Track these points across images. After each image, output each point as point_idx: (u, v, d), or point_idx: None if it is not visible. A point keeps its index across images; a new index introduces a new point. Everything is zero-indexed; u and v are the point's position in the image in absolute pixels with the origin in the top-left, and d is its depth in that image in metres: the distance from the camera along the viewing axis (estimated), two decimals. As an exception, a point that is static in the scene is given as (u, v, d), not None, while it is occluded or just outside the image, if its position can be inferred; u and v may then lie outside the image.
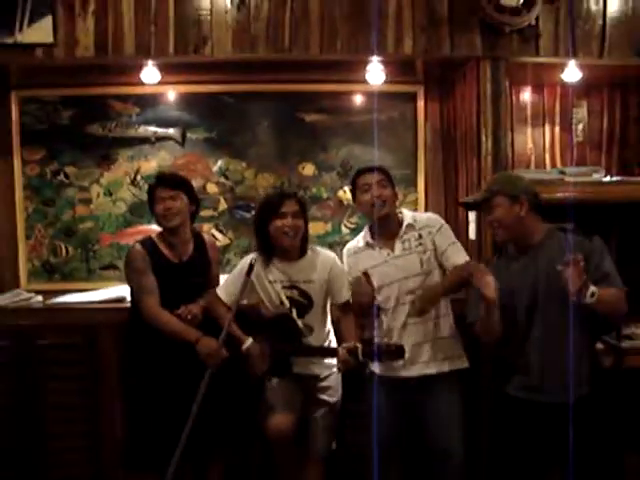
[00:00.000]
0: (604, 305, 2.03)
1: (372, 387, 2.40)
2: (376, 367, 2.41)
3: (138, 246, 2.46)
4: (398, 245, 2.43)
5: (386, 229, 2.44)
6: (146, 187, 3.25)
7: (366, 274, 2.40)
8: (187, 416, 2.21)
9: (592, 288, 1.97)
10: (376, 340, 2.30)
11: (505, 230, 2.19)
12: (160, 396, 2.39)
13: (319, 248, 2.58)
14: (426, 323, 2.39)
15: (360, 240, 2.53)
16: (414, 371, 2.38)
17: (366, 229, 2.54)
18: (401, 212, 2.51)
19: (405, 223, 2.45)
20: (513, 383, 2.22)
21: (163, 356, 2.39)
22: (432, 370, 2.38)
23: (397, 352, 2.24)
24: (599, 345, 2.32)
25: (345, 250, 2.59)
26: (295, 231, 2.40)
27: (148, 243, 2.48)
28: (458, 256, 2.41)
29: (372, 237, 2.48)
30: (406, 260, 2.40)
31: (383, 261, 2.43)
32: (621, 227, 3.15)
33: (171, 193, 2.45)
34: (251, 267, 2.33)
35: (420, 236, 2.43)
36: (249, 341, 2.40)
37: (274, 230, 2.41)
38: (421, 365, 2.39)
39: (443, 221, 2.51)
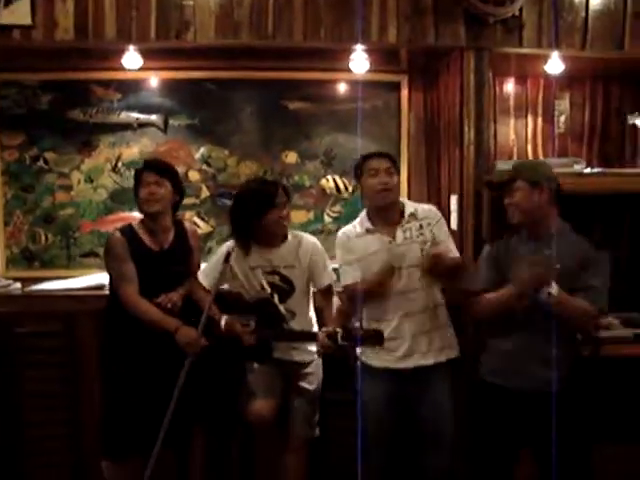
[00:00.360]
0: (562, 310, 2.06)
1: (364, 378, 2.38)
2: (369, 359, 2.41)
3: (118, 234, 2.44)
4: (399, 233, 2.41)
5: (387, 217, 2.43)
6: (127, 174, 3.27)
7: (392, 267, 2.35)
8: (166, 404, 2.22)
9: (553, 288, 1.99)
10: (356, 325, 2.30)
11: (522, 214, 2.20)
12: (139, 384, 2.39)
13: (299, 232, 2.60)
14: (424, 313, 2.39)
15: (357, 226, 2.49)
16: (411, 362, 2.37)
17: (364, 215, 2.50)
18: (402, 201, 2.51)
19: (407, 212, 2.44)
20: (490, 368, 2.24)
21: (142, 344, 2.38)
22: (429, 361, 2.38)
23: (376, 337, 2.24)
24: (578, 335, 2.34)
25: (340, 234, 2.53)
26: (288, 221, 2.47)
27: (128, 231, 2.46)
28: (451, 251, 2.42)
29: (372, 223, 2.45)
30: (407, 249, 2.39)
31: (384, 248, 2.39)
32: (601, 219, 3.19)
33: (156, 178, 2.44)
34: (228, 255, 2.35)
35: (421, 226, 2.42)
36: (224, 319, 2.40)
37: (272, 221, 2.41)
38: (419, 356, 2.37)
39: (440, 214, 2.51)
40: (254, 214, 2.42)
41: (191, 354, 2.30)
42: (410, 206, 2.48)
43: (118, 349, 2.45)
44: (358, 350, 2.39)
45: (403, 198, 2.57)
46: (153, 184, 2.43)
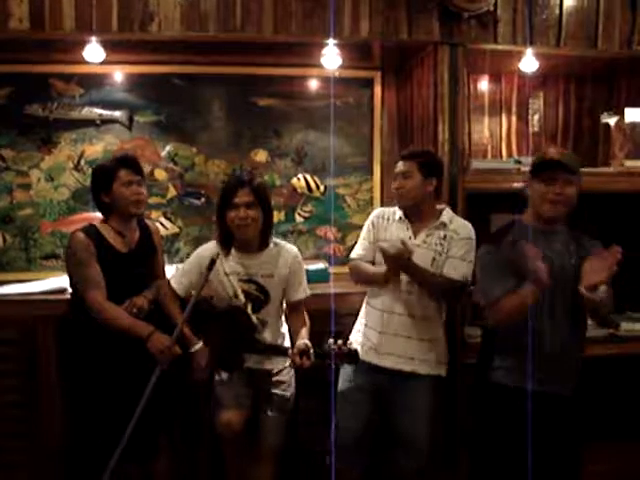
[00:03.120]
0: (602, 305, 1.99)
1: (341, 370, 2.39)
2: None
3: (81, 235, 2.27)
4: (422, 236, 2.38)
5: (415, 216, 2.42)
6: (90, 172, 3.12)
7: (403, 242, 2.25)
8: (132, 413, 2.10)
9: (601, 290, 1.92)
10: (330, 342, 2.21)
11: (565, 210, 2.10)
12: (105, 395, 2.26)
13: (282, 242, 2.47)
14: (416, 320, 2.36)
15: (396, 211, 2.47)
16: (388, 362, 2.35)
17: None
18: (444, 209, 2.44)
19: (440, 220, 2.39)
20: (503, 369, 2.16)
21: (108, 352, 2.25)
22: (406, 367, 2.35)
23: (350, 356, 2.17)
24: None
25: (378, 210, 2.56)
26: (248, 223, 2.28)
27: (92, 231, 2.30)
28: (455, 270, 2.32)
29: (405, 215, 2.44)
30: (421, 253, 2.33)
31: (400, 240, 2.31)
32: (574, 217, 3.16)
33: (138, 178, 2.32)
34: (212, 262, 2.20)
35: (444, 237, 2.37)
36: (199, 345, 2.30)
37: (229, 222, 2.30)
38: (396, 358, 2.35)
39: (473, 235, 2.39)
40: (218, 213, 2.33)
41: (163, 363, 2.17)
42: (446, 216, 2.41)
43: (81, 358, 2.31)
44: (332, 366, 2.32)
45: (447, 207, 2.47)
46: (136, 184, 2.30)
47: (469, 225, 2.44)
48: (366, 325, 2.46)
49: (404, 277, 2.35)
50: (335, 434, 2.39)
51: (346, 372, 2.43)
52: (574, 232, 2.16)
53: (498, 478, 2.17)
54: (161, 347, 2.17)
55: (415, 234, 2.40)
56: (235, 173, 3.18)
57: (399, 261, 2.26)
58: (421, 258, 2.31)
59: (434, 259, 2.35)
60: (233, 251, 2.36)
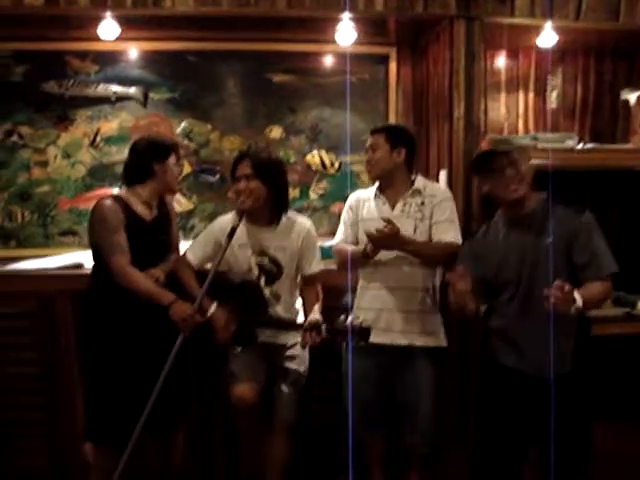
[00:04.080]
0: (589, 307, 1.98)
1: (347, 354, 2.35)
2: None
3: (110, 201, 2.29)
4: (399, 206, 2.42)
5: (390, 188, 2.45)
6: (107, 149, 3.17)
7: (388, 220, 2.26)
8: (154, 383, 2.12)
9: (576, 302, 1.87)
10: (342, 318, 2.21)
11: (523, 186, 2.09)
12: (127, 363, 2.28)
13: (295, 215, 2.48)
14: (410, 292, 2.36)
15: (370, 190, 2.53)
16: (387, 339, 2.35)
17: (377, 182, 2.52)
18: (416, 178, 2.47)
19: (413, 187, 2.42)
20: (501, 351, 2.17)
21: (131, 320, 2.27)
22: (404, 341, 2.35)
23: (362, 333, 2.17)
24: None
25: (353, 194, 2.58)
26: (247, 195, 2.30)
27: (119, 200, 2.32)
28: (446, 233, 2.35)
29: (380, 191, 2.48)
30: (401, 223, 2.32)
31: (381, 217, 2.34)
32: (592, 195, 3.13)
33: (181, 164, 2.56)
34: (233, 230, 2.23)
35: (422, 203, 2.40)
36: (213, 306, 2.30)
37: (231, 193, 2.33)
38: (392, 335, 2.35)
39: (450, 195, 2.46)
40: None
41: (185, 331, 2.19)
42: (420, 182, 2.46)
43: (104, 327, 2.32)
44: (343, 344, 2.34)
45: (419, 176, 2.50)
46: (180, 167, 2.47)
47: (443, 187, 2.54)
48: (361, 307, 2.45)
49: (394, 252, 2.34)
50: (347, 409, 2.38)
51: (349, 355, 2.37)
52: (556, 209, 2.08)
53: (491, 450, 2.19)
54: (183, 315, 2.18)
55: (392, 206, 2.43)
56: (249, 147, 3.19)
57: (389, 241, 2.26)
58: (403, 227, 2.31)
59: (416, 227, 2.37)
60: (246, 224, 2.37)
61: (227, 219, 2.42)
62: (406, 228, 2.34)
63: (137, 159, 2.38)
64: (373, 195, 2.49)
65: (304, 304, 2.47)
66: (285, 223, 2.40)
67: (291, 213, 2.46)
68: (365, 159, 2.49)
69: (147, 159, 2.35)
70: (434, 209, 2.39)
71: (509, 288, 2.11)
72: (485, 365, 2.27)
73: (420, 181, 2.47)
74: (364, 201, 2.52)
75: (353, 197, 2.57)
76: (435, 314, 2.42)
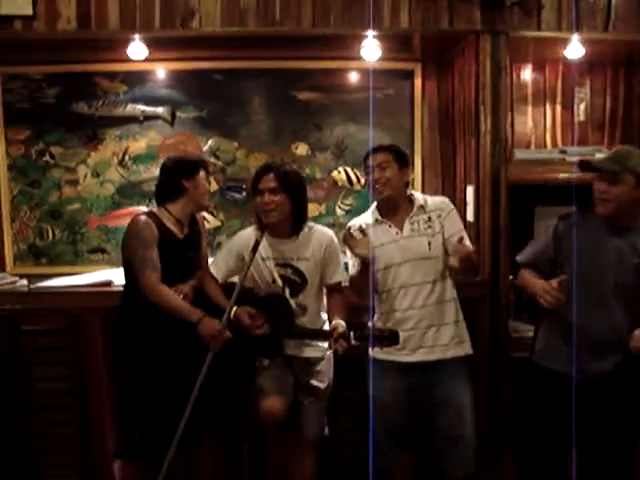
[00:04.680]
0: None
1: (372, 372, 2.31)
2: (377, 353, 2.33)
3: (145, 217, 2.33)
4: (407, 226, 2.38)
5: (394, 209, 2.40)
6: (134, 168, 3.22)
7: (361, 229, 2.28)
8: (185, 400, 2.13)
9: None
10: (370, 324, 2.21)
11: (617, 208, 2.10)
12: (157, 380, 2.30)
13: (316, 225, 2.49)
14: (432, 307, 2.33)
15: (369, 217, 2.45)
16: (416, 357, 2.32)
17: (374, 206, 2.46)
18: (412, 194, 2.45)
19: (416, 205, 2.39)
20: (541, 351, 2.20)
21: (161, 338, 2.29)
22: (434, 356, 2.32)
23: (391, 337, 2.16)
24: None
25: (351, 224, 2.46)
26: (271, 208, 2.30)
27: (153, 216, 2.36)
28: (468, 241, 2.34)
29: (381, 215, 2.42)
30: (414, 242, 2.33)
31: (392, 240, 2.35)
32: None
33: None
34: (257, 243, 2.25)
35: (429, 219, 2.38)
36: (234, 308, 2.29)
37: (256, 207, 2.35)
38: (424, 351, 2.32)
39: (453, 206, 2.45)
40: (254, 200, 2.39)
41: (214, 347, 2.20)
42: (420, 199, 2.43)
43: (135, 344, 2.35)
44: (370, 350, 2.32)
45: (414, 192, 2.49)
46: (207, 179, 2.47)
47: (441, 198, 2.51)
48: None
49: (420, 271, 2.32)
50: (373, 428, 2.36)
51: (375, 378, 2.34)
52: None
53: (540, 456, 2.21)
54: (212, 331, 2.20)
55: (400, 228, 2.38)
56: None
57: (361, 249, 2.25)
58: (418, 246, 2.31)
59: (429, 243, 2.34)
60: (268, 237, 2.38)
61: (247, 233, 2.44)
62: (420, 246, 2.33)
63: (167, 178, 2.41)
64: (374, 220, 2.42)
65: (328, 313, 2.45)
66: (306, 234, 2.41)
67: (311, 223, 2.47)
68: (372, 178, 2.38)
69: (177, 177, 2.38)
70: (444, 223, 2.37)
71: (592, 291, 2.11)
72: (530, 369, 2.28)
73: (418, 197, 2.44)
74: (367, 229, 2.37)
75: (353, 229, 2.38)
76: (459, 323, 2.40)
